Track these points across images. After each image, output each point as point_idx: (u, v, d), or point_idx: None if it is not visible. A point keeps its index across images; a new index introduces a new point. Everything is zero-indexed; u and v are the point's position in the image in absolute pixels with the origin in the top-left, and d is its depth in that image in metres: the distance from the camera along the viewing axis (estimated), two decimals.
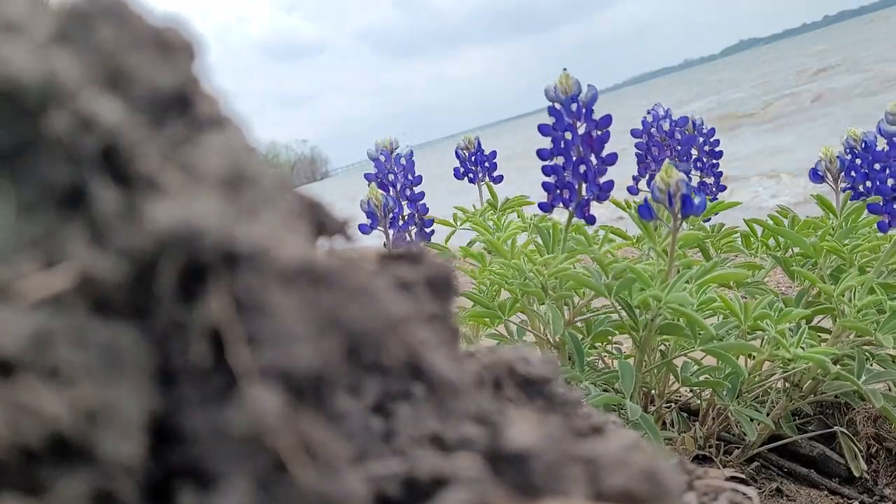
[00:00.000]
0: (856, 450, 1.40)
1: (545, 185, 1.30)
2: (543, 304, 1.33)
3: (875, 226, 1.33)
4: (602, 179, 1.28)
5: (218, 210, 0.27)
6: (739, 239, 1.60)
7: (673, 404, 1.55)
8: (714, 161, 1.79)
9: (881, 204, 1.31)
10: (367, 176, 1.64)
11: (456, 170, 1.74)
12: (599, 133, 1.26)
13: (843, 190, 1.51)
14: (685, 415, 1.55)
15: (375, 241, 1.54)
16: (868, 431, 1.45)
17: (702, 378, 1.30)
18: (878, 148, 1.40)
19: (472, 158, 1.73)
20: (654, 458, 0.30)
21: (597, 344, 1.46)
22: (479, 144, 1.74)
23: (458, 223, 1.64)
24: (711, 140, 1.78)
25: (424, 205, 1.65)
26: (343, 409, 0.28)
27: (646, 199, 1.19)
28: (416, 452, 0.28)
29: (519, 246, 1.40)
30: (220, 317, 0.26)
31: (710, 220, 1.66)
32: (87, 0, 0.30)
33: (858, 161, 1.46)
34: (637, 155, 1.66)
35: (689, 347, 1.21)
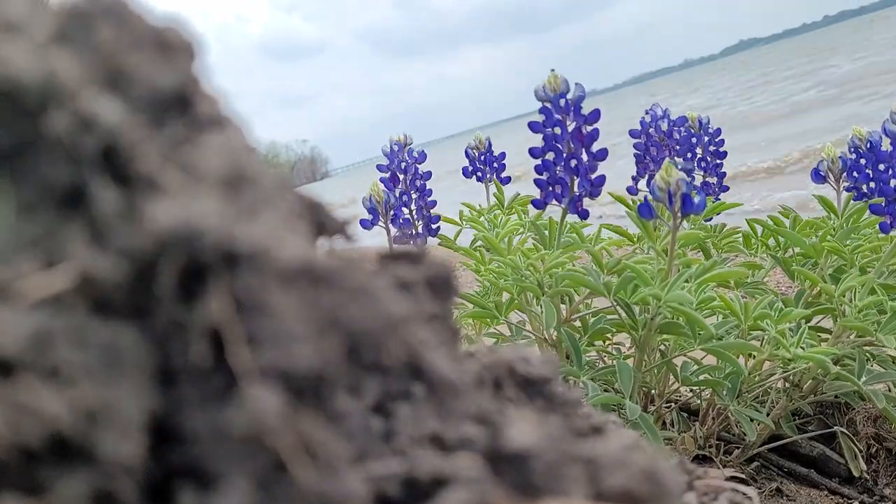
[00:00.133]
0: (856, 450, 1.40)
1: (537, 182, 1.32)
2: (540, 302, 1.33)
3: (876, 226, 1.33)
4: (594, 175, 1.30)
5: (218, 210, 0.27)
6: (741, 239, 1.60)
7: (673, 404, 1.55)
8: (718, 161, 1.79)
9: (884, 205, 1.31)
10: (379, 167, 1.68)
11: (465, 168, 1.76)
12: (589, 128, 1.28)
13: (847, 190, 1.51)
14: (685, 415, 1.55)
15: (376, 240, 1.55)
16: (868, 431, 1.45)
17: (701, 378, 1.30)
18: (883, 148, 1.40)
19: (482, 158, 1.75)
20: (654, 458, 0.30)
21: (596, 343, 1.46)
22: (489, 144, 1.76)
23: (464, 221, 1.66)
24: (717, 140, 1.78)
25: (433, 201, 1.67)
26: (343, 409, 0.28)
27: (645, 198, 1.19)
28: (416, 452, 0.28)
29: (516, 243, 1.41)
30: (220, 317, 0.26)
31: (711, 219, 1.66)
32: (87, 0, 0.30)
33: (863, 161, 1.45)
34: (635, 155, 1.66)
35: (689, 347, 1.21)
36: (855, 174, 1.47)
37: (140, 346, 0.26)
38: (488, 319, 1.42)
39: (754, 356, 1.37)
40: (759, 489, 1.37)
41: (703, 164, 1.77)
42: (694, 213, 1.15)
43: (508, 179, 1.76)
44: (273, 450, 0.25)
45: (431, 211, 1.66)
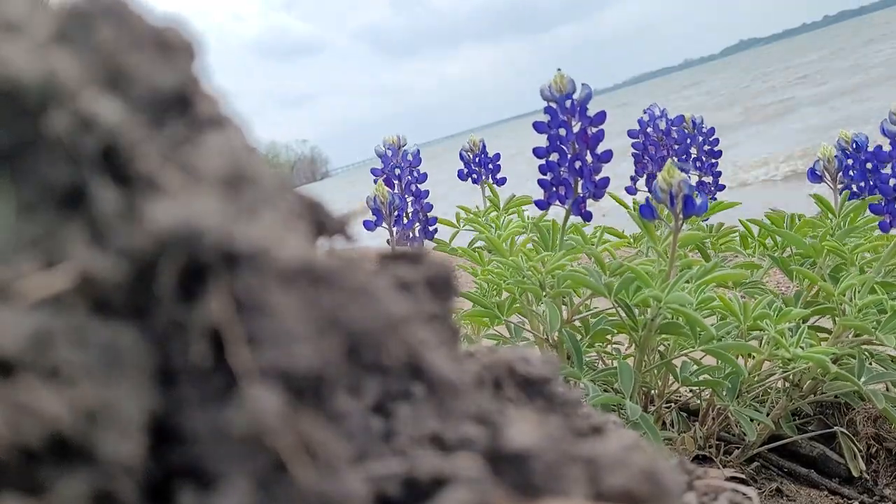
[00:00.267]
0: (855, 450, 1.40)
1: (541, 183, 1.31)
2: (542, 302, 1.33)
3: (873, 225, 1.33)
4: (598, 177, 1.29)
5: (218, 210, 0.27)
6: (738, 239, 1.60)
7: (673, 404, 1.55)
8: (713, 160, 1.79)
9: (882, 204, 1.31)
10: (373, 171, 1.67)
11: (460, 171, 1.76)
12: (594, 130, 1.27)
13: (842, 190, 1.51)
14: (685, 415, 1.55)
15: (377, 240, 1.55)
16: (868, 431, 1.45)
17: (701, 378, 1.30)
18: (882, 148, 1.40)
19: (477, 160, 1.75)
20: (654, 458, 0.30)
21: (596, 344, 1.46)
22: (483, 146, 1.76)
23: (461, 223, 1.65)
24: (711, 139, 1.78)
25: (429, 203, 1.67)
26: (343, 409, 0.28)
27: (647, 199, 1.19)
28: (416, 452, 0.28)
29: (518, 244, 1.41)
30: (220, 317, 0.26)
31: (708, 219, 1.66)
32: (87, 0, 0.30)
33: (850, 161, 1.46)
34: (634, 155, 1.66)
35: (689, 347, 1.21)
36: (850, 173, 1.48)
37: (140, 346, 0.26)
38: (487, 320, 1.42)
39: (754, 356, 1.37)
40: (759, 489, 1.37)
41: (698, 164, 1.77)
42: (696, 215, 1.15)
43: (504, 181, 1.76)
44: (273, 450, 0.25)
45: (429, 214, 1.66)
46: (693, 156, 1.76)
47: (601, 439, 0.32)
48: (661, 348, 1.37)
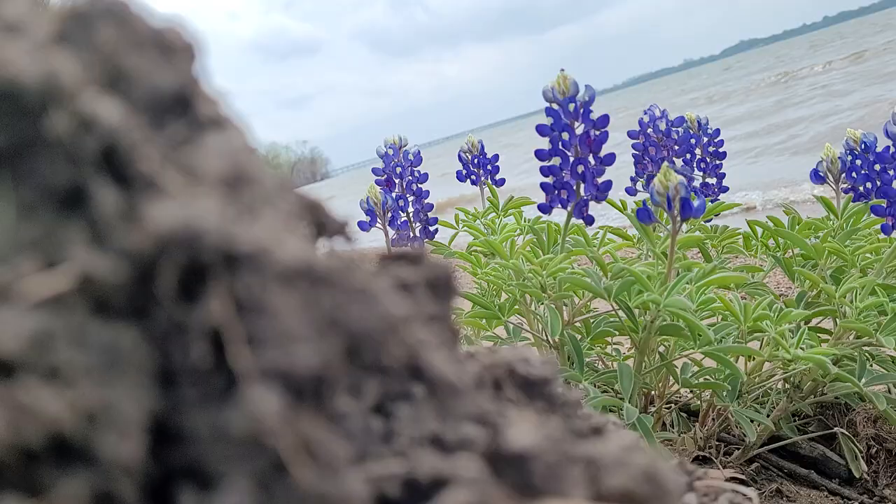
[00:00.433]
0: (856, 451, 1.40)
1: (543, 186, 1.31)
2: (542, 304, 1.33)
3: (876, 227, 1.33)
4: (600, 180, 1.29)
5: (218, 210, 0.27)
6: (741, 240, 1.60)
7: (673, 405, 1.55)
8: (717, 162, 1.79)
9: (885, 206, 1.31)
10: (374, 171, 1.68)
11: (459, 172, 1.76)
12: (597, 133, 1.27)
13: (846, 192, 1.51)
14: (685, 415, 1.55)
15: (377, 241, 1.55)
16: (868, 432, 1.45)
17: (701, 380, 1.30)
18: (887, 150, 1.40)
19: (475, 161, 1.75)
20: (654, 459, 0.30)
21: (597, 345, 1.46)
22: (482, 147, 1.76)
23: (460, 225, 1.65)
24: (716, 140, 1.78)
25: (430, 203, 1.67)
26: (343, 409, 0.28)
27: (644, 203, 1.18)
28: (416, 453, 0.28)
29: (518, 247, 1.41)
30: (220, 317, 0.26)
31: (711, 220, 1.66)
32: (87, 0, 0.30)
33: (859, 162, 1.46)
34: (634, 156, 1.66)
35: (689, 348, 1.21)
36: (853, 175, 1.47)
37: (140, 346, 0.26)
38: (488, 321, 1.42)
39: (753, 358, 1.37)
40: (759, 490, 1.37)
41: (702, 166, 1.77)
42: (693, 217, 1.14)
43: (503, 181, 1.76)
44: (273, 450, 0.25)
45: (429, 213, 1.66)
46: (697, 157, 1.75)
47: (601, 440, 0.32)
48: (661, 349, 1.37)
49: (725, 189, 1.81)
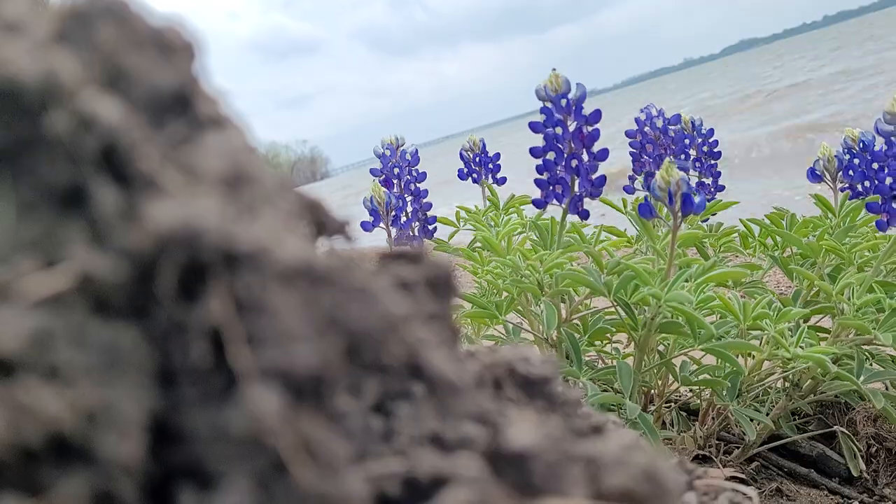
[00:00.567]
0: (855, 449, 1.40)
1: (538, 182, 1.32)
2: (540, 302, 1.33)
3: (873, 224, 1.33)
4: (594, 175, 1.30)
5: (218, 210, 0.27)
6: (738, 239, 1.60)
7: (673, 404, 1.55)
8: (712, 161, 1.79)
9: (880, 203, 1.31)
10: (372, 171, 1.68)
11: (460, 171, 1.76)
12: (590, 129, 1.28)
13: (843, 189, 1.51)
14: (685, 414, 1.55)
15: (377, 240, 1.55)
16: (868, 431, 1.45)
17: (701, 377, 1.30)
18: (876, 147, 1.40)
19: (476, 160, 1.75)
20: (654, 458, 0.30)
21: (596, 343, 1.46)
22: (483, 146, 1.76)
23: (461, 223, 1.65)
24: (710, 140, 1.78)
25: (429, 203, 1.67)
26: (343, 408, 0.28)
27: (646, 198, 1.19)
28: (416, 452, 0.28)
29: (516, 243, 1.41)
30: (220, 317, 0.26)
31: (708, 219, 1.66)
32: (87, 0, 0.30)
33: (857, 161, 1.46)
34: (631, 154, 1.67)
35: (689, 346, 1.21)
36: (850, 173, 1.47)
37: (140, 346, 0.26)
38: (487, 320, 1.42)
39: (754, 356, 1.37)
40: (759, 489, 1.37)
41: (697, 165, 1.77)
42: (694, 213, 1.15)
43: (504, 180, 1.76)
44: (273, 449, 0.25)
45: (428, 213, 1.66)
46: (693, 156, 1.76)
47: (601, 439, 0.32)
48: (661, 348, 1.37)
49: (721, 188, 1.81)
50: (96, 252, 0.26)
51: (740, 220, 1.60)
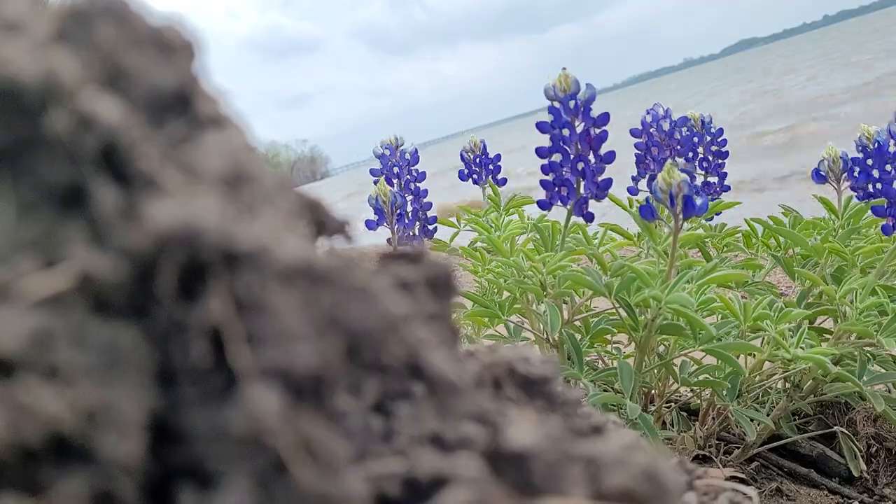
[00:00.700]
0: (855, 449, 1.40)
1: (543, 183, 1.31)
2: (542, 303, 1.33)
3: (876, 227, 1.33)
4: (600, 178, 1.29)
5: (218, 209, 0.27)
6: (741, 239, 1.60)
7: (673, 404, 1.55)
8: (720, 161, 1.79)
9: (886, 206, 1.30)
10: (372, 171, 1.68)
11: (461, 172, 1.76)
12: (597, 131, 1.27)
13: (852, 189, 1.50)
14: (685, 414, 1.55)
15: (378, 239, 1.55)
16: (868, 431, 1.45)
17: (701, 378, 1.30)
18: (890, 150, 1.39)
19: (477, 160, 1.75)
20: (654, 458, 0.30)
21: (596, 344, 1.46)
22: (483, 147, 1.76)
23: (462, 223, 1.65)
24: (719, 140, 1.78)
25: (429, 203, 1.67)
26: (343, 408, 0.28)
27: (647, 200, 1.19)
28: (415, 452, 0.28)
29: (518, 244, 1.41)
30: (220, 316, 0.26)
31: (712, 219, 1.66)
32: (87, 0, 0.30)
33: (869, 161, 1.44)
34: (636, 155, 1.66)
35: (689, 347, 1.21)
36: (855, 173, 1.47)
37: (140, 345, 0.26)
38: (487, 320, 1.42)
39: (754, 356, 1.37)
40: (759, 489, 1.37)
41: (704, 165, 1.77)
42: (695, 215, 1.15)
43: (504, 181, 1.76)
44: (273, 449, 0.25)
45: (428, 212, 1.66)
46: (700, 156, 1.75)
47: (601, 439, 0.32)
48: (661, 348, 1.37)
49: (727, 188, 1.81)
50: (96, 252, 0.26)
51: (745, 220, 1.60)
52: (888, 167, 1.38)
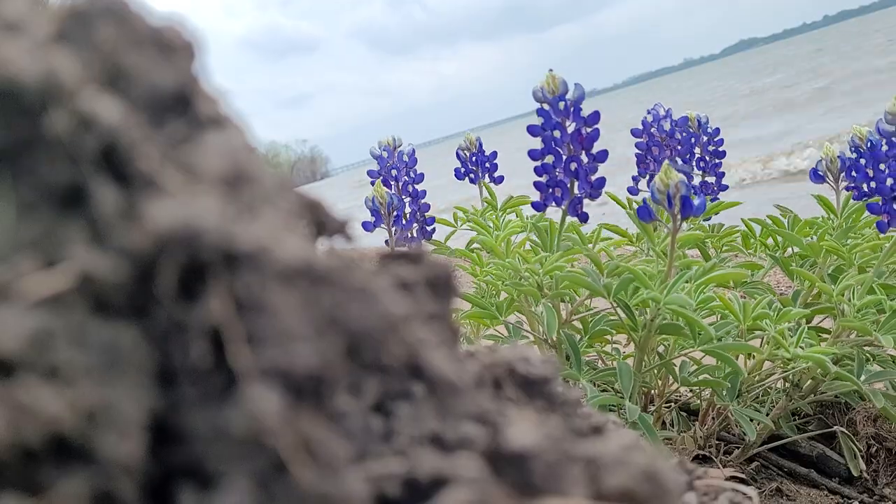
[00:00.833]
0: (855, 449, 1.40)
1: (537, 185, 1.31)
2: (540, 303, 1.33)
3: (874, 225, 1.33)
4: (594, 177, 1.29)
5: (218, 209, 0.27)
6: (739, 239, 1.60)
7: (673, 404, 1.55)
8: (717, 160, 1.78)
9: (880, 204, 1.31)
10: (370, 173, 1.67)
11: (457, 170, 1.75)
12: (589, 130, 1.27)
13: (848, 189, 1.50)
14: (685, 414, 1.55)
15: (377, 239, 1.55)
16: (868, 431, 1.45)
17: (700, 378, 1.30)
18: (881, 147, 1.40)
19: (473, 159, 1.75)
20: (654, 458, 0.30)
21: (595, 344, 1.46)
22: (480, 145, 1.75)
23: (459, 223, 1.65)
24: (716, 139, 1.78)
25: (427, 204, 1.67)
26: (343, 408, 0.28)
27: (644, 200, 1.19)
28: (415, 452, 0.28)
29: (515, 245, 1.41)
30: (220, 316, 0.26)
31: (710, 219, 1.66)
32: (87, 0, 0.30)
33: (863, 161, 1.45)
34: (637, 155, 1.66)
35: (689, 347, 1.21)
36: (854, 173, 1.47)
37: (140, 346, 0.26)
38: (487, 320, 1.42)
39: (754, 356, 1.37)
40: (759, 489, 1.37)
41: (701, 164, 1.77)
42: (693, 216, 1.15)
43: (501, 179, 1.75)
44: (273, 449, 0.25)
45: (426, 213, 1.66)
46: (697, 155, 1.75)
47: (601, 439, 0.32)
48: (661, 348, 1.37)
49: (725, 188, 1.81)
50: (96, 252, 0.26)
51: (742, 219, 1.60)
52: (882, 166, 1.39)
